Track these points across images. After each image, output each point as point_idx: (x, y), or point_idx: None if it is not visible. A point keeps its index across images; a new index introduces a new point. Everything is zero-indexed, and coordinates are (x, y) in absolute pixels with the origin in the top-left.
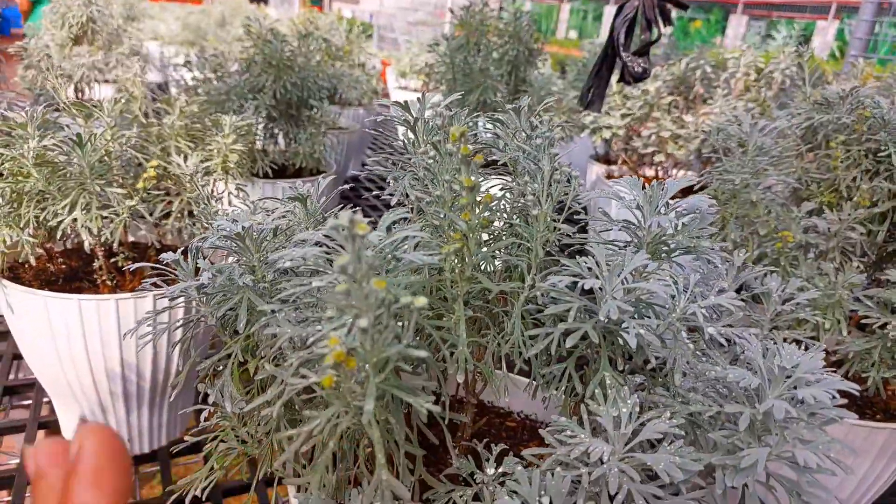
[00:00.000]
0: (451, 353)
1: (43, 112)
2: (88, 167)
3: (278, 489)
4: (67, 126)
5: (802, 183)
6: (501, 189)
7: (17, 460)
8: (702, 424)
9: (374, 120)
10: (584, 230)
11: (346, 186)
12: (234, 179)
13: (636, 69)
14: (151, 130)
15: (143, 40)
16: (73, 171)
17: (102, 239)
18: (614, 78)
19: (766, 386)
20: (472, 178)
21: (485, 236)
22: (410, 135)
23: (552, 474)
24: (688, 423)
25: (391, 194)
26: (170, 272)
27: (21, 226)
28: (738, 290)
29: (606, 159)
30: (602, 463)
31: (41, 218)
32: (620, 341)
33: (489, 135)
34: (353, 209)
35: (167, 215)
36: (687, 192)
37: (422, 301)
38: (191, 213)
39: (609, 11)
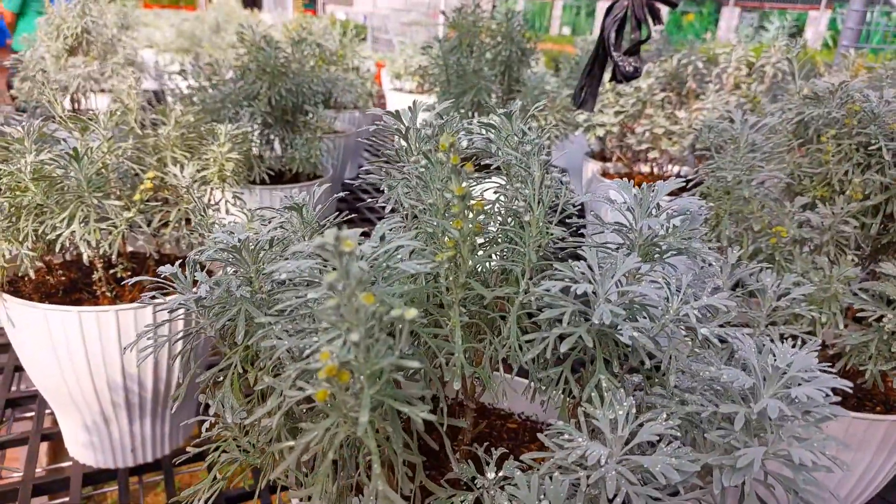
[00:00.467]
0: (447, 361)
1: (39, 126)
2: (86, 180)
3: (282, 495)
4: (64, 140)
5: (795, 178)
6: (496, 192)
7: (21, 473)
8: (699, 424)
9: (367, 130)
10: (579, 233)
11: (342, 194)
12: (230, 188)
13: (627, 68)
14: (147, 141)
15: (137, 49)
16: (71, 185)
17: (101, 251)
18: (606, 76)
19: (760, 385)
20: (464, 185)
21: (479, 240)
22: (403, 143)
23: (551, 478)
24: (686, 423)
25: (386, 202)
26: (169, 284)
27: (20, 239)
28: (733, 288)
29: (602, 156)
30: (600, 466)
31: (40, 231)
32: (616, 343)
33: (482, 140)
34: (349, 215)
35: (165, 225)
36: (682, 189)
37: (412, 313)
38: (188, 222)
39: (602, 7)
